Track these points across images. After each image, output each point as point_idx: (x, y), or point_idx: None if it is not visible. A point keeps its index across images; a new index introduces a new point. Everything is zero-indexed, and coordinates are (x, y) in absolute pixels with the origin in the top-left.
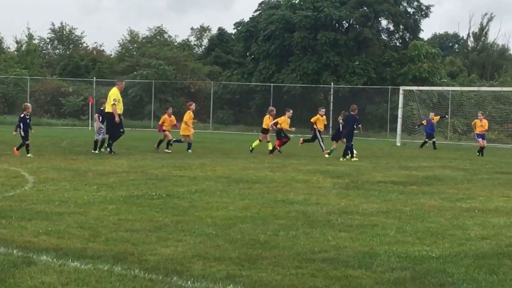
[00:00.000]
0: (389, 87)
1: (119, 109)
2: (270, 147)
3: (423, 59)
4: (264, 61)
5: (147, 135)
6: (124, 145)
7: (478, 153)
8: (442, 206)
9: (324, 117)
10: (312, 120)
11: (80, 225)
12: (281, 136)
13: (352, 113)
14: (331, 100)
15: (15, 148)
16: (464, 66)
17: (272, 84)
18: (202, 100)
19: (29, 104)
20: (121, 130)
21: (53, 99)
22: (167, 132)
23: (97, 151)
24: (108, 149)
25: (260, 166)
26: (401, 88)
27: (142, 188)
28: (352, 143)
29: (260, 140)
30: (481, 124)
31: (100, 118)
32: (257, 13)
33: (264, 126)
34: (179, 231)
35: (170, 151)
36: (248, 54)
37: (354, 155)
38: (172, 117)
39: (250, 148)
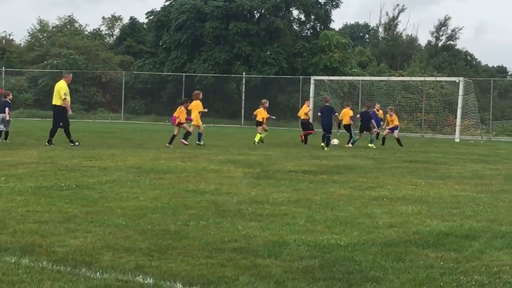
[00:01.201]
0: (301, 77)
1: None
2: (257, 138)
3: (334, 49)
4: (176, 51)
5: None
6: (34, 136)
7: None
8: (352, 195)
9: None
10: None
11: None
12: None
13: (326, 104)
14: (243, 90)
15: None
16: (374, 56)
17: (184, 74)
18: (114, 90)
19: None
20: (61, 123)
21: None
22: (185, 125)
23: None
24: (48, 143)
25: (171, 156)
26: (312, 78)
27: (52, 179)
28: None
29: (266, 130)
30: (391, 119)
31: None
32: (169, 2)
33: (259, 118)
34: (88, 222)
35: (188, 143)
36: (160, 44)
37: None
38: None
39: (255, 142)
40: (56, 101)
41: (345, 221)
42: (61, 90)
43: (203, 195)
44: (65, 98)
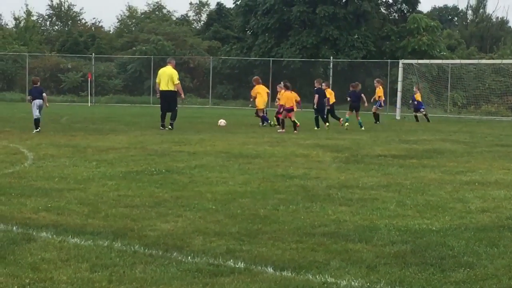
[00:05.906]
0: (389, 60)
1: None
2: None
3: (423, 32)
4: (263, 35)
5: (146, 111)
6: (123, 121)
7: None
8: (442, 179)
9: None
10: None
11: (80, 201)
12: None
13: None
14: (331, 74)
15: None
16: (463, 39)
17: (271, 59)
18: (201, 75)
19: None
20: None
21: (52, 75)
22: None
23: None
24: (170, 127)
25: (259, 141)
26: (401, 61)
27: (142, 164)
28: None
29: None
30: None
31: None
32: None
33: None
34: (178, 206)
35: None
36: (247, 29)
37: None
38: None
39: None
40: (171, 86)
41: (436, 205)
42: (174, 75)
43: (292, 179)
44: (178, 83)
